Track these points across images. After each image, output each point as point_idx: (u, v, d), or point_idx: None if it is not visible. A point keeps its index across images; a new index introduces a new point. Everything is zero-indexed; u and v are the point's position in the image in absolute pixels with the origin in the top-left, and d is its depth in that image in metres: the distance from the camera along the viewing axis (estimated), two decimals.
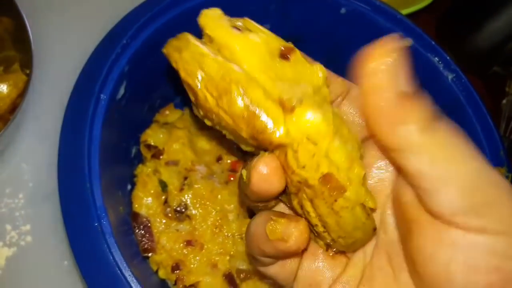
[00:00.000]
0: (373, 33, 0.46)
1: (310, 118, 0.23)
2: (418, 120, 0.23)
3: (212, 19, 0.26)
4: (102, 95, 0.35)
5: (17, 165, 0.44)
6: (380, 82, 0.23)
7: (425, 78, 0.46)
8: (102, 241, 0.31)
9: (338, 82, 0.31)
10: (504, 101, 0.62)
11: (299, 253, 0.27)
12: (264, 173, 0.23)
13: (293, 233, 0.24)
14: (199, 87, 0.24)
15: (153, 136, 0.41)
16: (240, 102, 0.23)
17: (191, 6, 0.40)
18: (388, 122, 0.22)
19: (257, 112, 0.23)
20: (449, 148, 0.23)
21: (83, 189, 0.32)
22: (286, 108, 0.23)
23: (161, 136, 0.42)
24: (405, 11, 0.58)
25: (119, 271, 0.31)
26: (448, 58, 0.45)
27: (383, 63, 0.24)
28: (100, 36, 0.39)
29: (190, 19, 0.41)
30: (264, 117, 0.23)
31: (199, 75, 0.24)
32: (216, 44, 0.25)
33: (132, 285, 0.31)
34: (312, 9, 0.46)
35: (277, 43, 0.26)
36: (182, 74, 0.25)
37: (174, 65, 0.26)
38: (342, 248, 0.26)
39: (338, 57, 0.50)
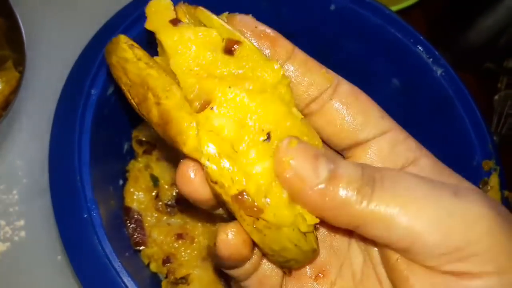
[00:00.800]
0: (363, 29, 0.47)
1: (218, 123, 0.20)
2: (352, 190, 0.20)
3: (156, 12, 0.24)
4: (92, 91, 0.36)
5: (12, 162, 0.44)
6: (301, 180, 0.21)
7: (414, 73, 0.47)
8: (92, 233, 0.32)
9: (321, 74, 0.27)
10: (496, 97, 0.62)
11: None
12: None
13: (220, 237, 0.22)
14: (125, 91, 0.24)
15: (145, 132, 0.42)
16: (154, 111, 0.22)
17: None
18: (324, 209, 0.21)
19: (168, 122, 0.21)
20: (400, 200, 0.20)
21: (73, 182, 0.33)
22: (197, 111, 0.21)
23: (153, 131, 0.42)
24: (396, 7, 0.58)
25: (109, 262, 0.32)
26: (437, 53, 0.46)
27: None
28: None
29: None
30: (174, 128, 0.21)
31: (124, 80, 0.24)
32: (157, 41, 0.23)
33: (122, 276, 0.32)
34: (302, 6, 0.46)
35: (224, 35, 0.23)
36: (114, 77, 0.25)
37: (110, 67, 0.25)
38: (278, 265, 0.24)
39: (329, 53, 0.50)
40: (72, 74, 0.37)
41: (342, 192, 0.20)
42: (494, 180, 0.42)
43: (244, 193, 0.20)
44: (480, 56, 0.63)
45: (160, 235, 0.39)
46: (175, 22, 0.23)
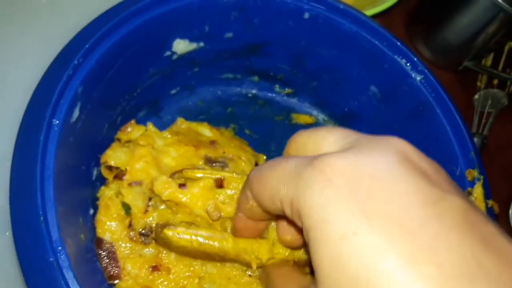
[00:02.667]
0: (338, 37, 0.46)
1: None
2: None
3: (162, 188, 0.37)
4: (54, 120, 0.33)
5: None
6: None
7: (393, 81, 0.46)
8: (59, 277, 0.30)
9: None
10: (476, 96, 0.62)
11: None
12: None
13: None
14: None
15: (113, 156, 0.40)
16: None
17: (146, 20, 0.39)
18: None
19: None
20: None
21: (36, 223, 0.30)
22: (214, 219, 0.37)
23: (123, 155, 0.40)
24: (375, 10, 0.57)
25: None
26: (415, 59, 0.44)
27: None
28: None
29: (146, 33, 0.40)
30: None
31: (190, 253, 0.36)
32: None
33: None
34: (274, 16, 0.44)
35: (212, 179, 0.37)
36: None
37: None
38: None
39: (303, 61, 0.49)
40: (31, 103, 0.34)
41: None
42: (478, 191, 0.41)
43: None
44: (458, 54, 0.62)
45: (134, 267, 0.37)
46: (183, 186, 0.37)
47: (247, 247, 0.34)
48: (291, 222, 0.27)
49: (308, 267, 0.36)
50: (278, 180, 0.24)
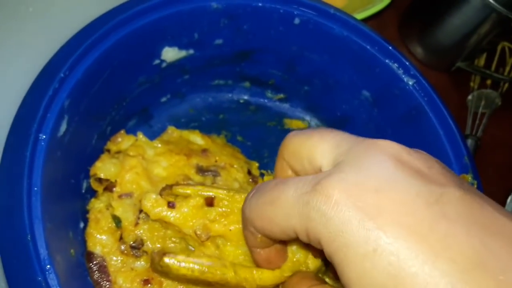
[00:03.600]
0: (329, 41, 0.45)
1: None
2: None
3: (151, 207, 0.36)
4: (40, 135, 0.33)
5: None
6: None
7: (385, 85, 0.46)
8: None
9: None
10: (469, 97, 0.61)
11: None
12: None
13: None
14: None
15: (102, 168, 0.39)
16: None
17: (133, 29, 0.38)
18: None
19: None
20: None
21: (23, 241, 0.30)
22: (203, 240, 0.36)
23: (112, 167, 0.39)
24: (365, 13, 0.56)
25: None
26: (407, 63, 0.44)
27: None
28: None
29: (134, 42, 0.39)
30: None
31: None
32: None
33: None
34: (264, 22, 0.44)
35: (201, 197, 0.36)
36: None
37: None
38: None
39: (294, 66, 0.48)
40: (17, 118, 0.34)
41: None
42: None
43: None
44: (451, 55, 0.62)
45: (126, 281, 0.36)
46: (172, 205, 0.36)
47: (248, 276, 0.33)
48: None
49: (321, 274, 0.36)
50: (285, 216, 0.25)
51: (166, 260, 0.32)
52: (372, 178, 0.23)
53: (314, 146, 0.27)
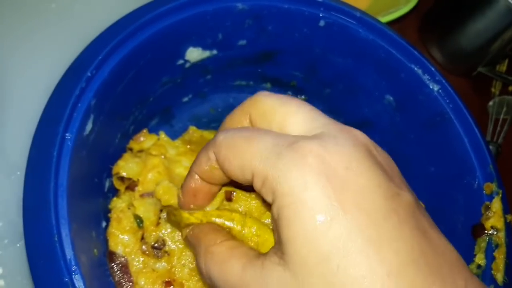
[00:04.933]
0: (353, 45, 0.45)
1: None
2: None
3: (163, 193, 0.37)
4: (67, 135, 0.33)
5: None
6: None
7: (409, 91, 0.45)
8: None
9: None
10: (490, 103, 0.61)
11: None
12: None
13: None
14: None
15: (125, 167, 0.39)
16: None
17: (159, 29, 0.38)
18: None
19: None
20: None
21: (50, 242, 0.30)
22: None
23: (135, 166, 0.39)
24: (389, 17, 0.56)
25: None
26: (433, 69, 0.43)
27: None
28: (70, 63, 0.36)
29: (159, 42, 0.39)
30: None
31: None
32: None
33: None
34: (289, 23, 0.43)
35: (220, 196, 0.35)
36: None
37: None
38: None
39: (316, 68, 0.48)
40: (43, 117, 0.34)
41: None
42: (496, 205, 0.40)
43: None
44: (472, 60, 0.61)
45: (148, 282, 0.36)
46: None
47: (256, 240, 0.32)
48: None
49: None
50: (253, 155, 0.25)
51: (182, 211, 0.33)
52: (346, 156, 0.24)
53: (289, 113, 0.27)
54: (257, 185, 0.25)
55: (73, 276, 0.30)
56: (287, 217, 0.23)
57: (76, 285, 0.30)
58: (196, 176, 0.31)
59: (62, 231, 0.30)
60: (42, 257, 0.30)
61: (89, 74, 0.34)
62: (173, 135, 0.45)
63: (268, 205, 0.30)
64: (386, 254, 0.22)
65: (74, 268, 0.30)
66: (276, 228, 0.24)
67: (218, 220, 0.33)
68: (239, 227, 0.33)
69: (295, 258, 0.23)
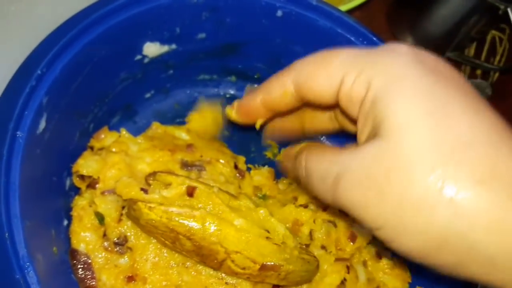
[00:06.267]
0: (313, 34, 0.45)
1: None
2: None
3: (123, 188, 0.37)
4: (18, 133, 0.33)
5: None
6: None
7: None
8: None
9: None
10: None
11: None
12: None
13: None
14: (158, 238, 0.36)
15: (85, 165, 0.39)
16: (188, 244, 0.35)
17: (112, 25, 0.38)
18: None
19: (201, 247, 0.35)
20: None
21: (1, 240, 0.30)
22: None
23: (94, 164, 0.39)
24: (352, 4, 0.56)
25: None
26: None
27: None
28: None
29: (114, 38, 0.39)
30: (206, 249, 0.35)
31: (155, 232, 0.35)
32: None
33: None
34: (246, 15, 0.43)
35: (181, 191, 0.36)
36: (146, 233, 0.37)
37: None
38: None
39: (279, 59, 0.48)
40: None
41: None
42: None
43: None
44: (440, 45, 0.61)
45: (110, 278, 0.36)
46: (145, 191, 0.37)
47: (217, 235, 0.34)
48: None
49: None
50: (341, 60, 0.27)
51: (141, 204, 0.34)
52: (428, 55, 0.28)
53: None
54: (347, 85, 0.26)
55: (25, 273, 0.29)
56: (388, 96, 0.24)
57: (29, 282, 0.29)
58: (259, 99, 0.33)
59: (14, 229, 0.30)
60: None
61: (39, 72, 0.34)
62: (137, 132, 0.44)
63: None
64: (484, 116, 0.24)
65: (27, 265, 0.30)
66: (368, 113, 0.25)
67: (177, 219, 0.33)
68: (199, 226, 0.33)
69: (394, 127, 0.23)
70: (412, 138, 0.23)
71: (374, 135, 0.25)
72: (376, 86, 0.25)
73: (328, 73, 0.28)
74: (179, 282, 0.37)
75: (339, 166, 0.26)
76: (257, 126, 0.37)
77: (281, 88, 0.31)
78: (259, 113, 0.35)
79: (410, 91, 0.24)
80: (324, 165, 0.27)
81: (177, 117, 0.48)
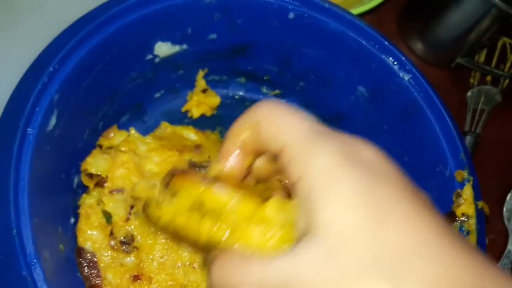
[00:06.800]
0: (324, 36, 0.44)
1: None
2: None
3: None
4: (29, 129, 0.33)
5: None
6: None
7: (381, 81, 0.45)
8: None
9: None
10: (469, 93, 0.61)
11: None
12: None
13: None
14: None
15: (93, 164, 0.39)
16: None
17: (125, 24, 0.38)
18: None
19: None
20: None
21: (9, 236, 0.30)
22: None
23: (103, 162, 0.39)
24: (362, 8, 0.56)
25: None
26: (403, 58, 0.43)
27: None
28: None
29: (126, 37, 0.39)
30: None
31: None
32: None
33: None
34: (258, 16, 0.43)
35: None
36: None
37: None
38: None
39: (290, 61, 0.48)
40: (5, 113, 0.34)
41: None
42: (467, 192, 0.40)
43: None
44: (451, 51, 0.61)
45: (116, 277, 0.36)
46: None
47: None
48: None
49: None
50: (293, 127, 0.26)
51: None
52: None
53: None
54: (285, 157, 0.26)
55: (32, 270, 0.29)
56: (316, 200, 0.23)
57: (36, 279, 0.29)
58: (232, 141, 0.31)
59: (22, 226, 0.30)
60: (0, 251, 0.30)
61: (51, 69, 0.34)
62: (146, 131, 0.44)
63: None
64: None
65: (34, 262, 0.30)
66: (305, 206, 0.24)
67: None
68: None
69: (329, 231, 0.22)
70: (351, 250, 0.22)
71: (307, 231, 0.23)
72: (311, 179, 0.24)
73: (277, 131, 0.27)
74: (185, 282, 0.37)
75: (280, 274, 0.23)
76: None
77: (244, 127, 0.29)
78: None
79: (348, 193, 0.23)
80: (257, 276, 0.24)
81: (186, 118, 0.48)
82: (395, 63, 0.43)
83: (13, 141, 0.32)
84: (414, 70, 0.43)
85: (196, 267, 0.37)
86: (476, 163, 0.43)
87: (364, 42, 0.44)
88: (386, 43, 0.44)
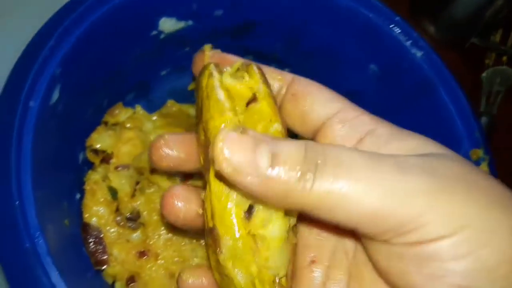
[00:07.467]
0: (334, 13, 0.43)
1: None
2: (294, 177, 0.21)
3: None
4: (31, 103, 0.32)
5: None
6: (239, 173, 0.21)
7: (392, 58, 0.44)
8: (36, 264, 0.29)
9: (276, 79, 0.33)
10: (484, 74, 0.59)
11: None
12: None
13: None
14: None
15: (99, 139, 0.39)
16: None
17: None
18: (268, 197, 0.21)
19: None
20: (342, 183, 0.21)
21: (11, 207, 0.29)
22: None
23: (108, 138, 0.39)
24: None
25: None
26: (415, 34, 0.42)
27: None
28: None
29: (129, 11, 0.38)
30: None
31: None
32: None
33: None
34: None
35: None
36: None
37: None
38: None
39: (297, 40, 0.47)
40: (6, 87, 0.33)
41: (284, 179, 0.21)
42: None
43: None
44: (465, 30, 0.59)
45: (121, 253, 0.36)
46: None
47: None
48: None
49: None
50: None
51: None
52: None
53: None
54: None
55: (35, 242, 0.29)
56: None
57: (39, 251, 0.29)
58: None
59: (25, 198, 0.30)
60: (2, 223, 0.29)
61: (52, 42, 0.34)
62: (152, 109, 0.44)
63: None
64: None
65: (37, 234, 0.29)
66: None
67: None
68: None
69: None
70: None
71: None
72: None
73: None
74: (194, 258, 0.36)
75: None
76: None
77: None
78: None
79: None
80: None
81: (192, 96, 0.47)
82: (407, 40, 0.42)
83: (14, 115, 0.31)
84: (426, 47, 0.42)
85: (203, 243, 0.36)
86: (491, 144, 0.42)
87: (374, 18, 0.43)
88: (397, 19, 0.42)
